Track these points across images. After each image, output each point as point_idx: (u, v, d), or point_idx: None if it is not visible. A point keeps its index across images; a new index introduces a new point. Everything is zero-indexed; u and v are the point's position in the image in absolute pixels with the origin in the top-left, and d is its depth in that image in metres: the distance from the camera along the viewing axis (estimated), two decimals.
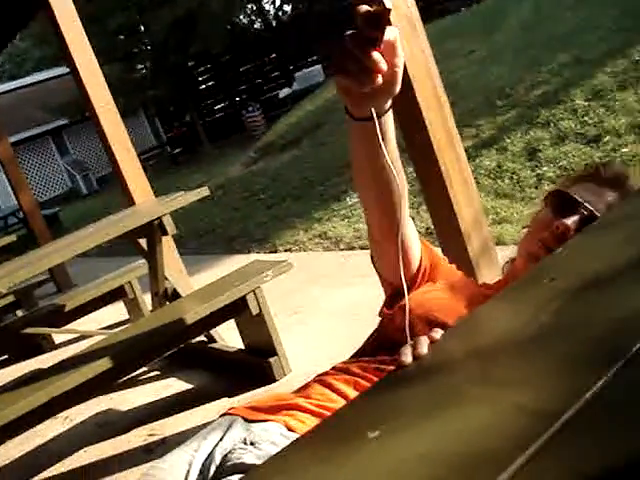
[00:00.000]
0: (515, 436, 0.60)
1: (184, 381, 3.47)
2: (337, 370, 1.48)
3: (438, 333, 0.92)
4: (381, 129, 1.11)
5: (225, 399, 3.03)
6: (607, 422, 0.58)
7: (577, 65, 6.36)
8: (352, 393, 1.37)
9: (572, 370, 0.67)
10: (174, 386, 3.45)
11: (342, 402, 1.36)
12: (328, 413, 1.31)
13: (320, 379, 1.47)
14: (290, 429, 1.28)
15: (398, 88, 1.08)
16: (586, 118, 5.35)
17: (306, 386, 1.46)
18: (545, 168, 5.01)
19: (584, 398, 0.61)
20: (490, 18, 9.27)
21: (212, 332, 3.56)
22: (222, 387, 3.20)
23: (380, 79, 1.00)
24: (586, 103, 5.55)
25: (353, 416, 0.75)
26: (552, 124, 5.53)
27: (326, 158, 7.91)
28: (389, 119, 1.17)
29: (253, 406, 1.40)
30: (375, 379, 1.38)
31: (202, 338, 3.64)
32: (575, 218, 1.45)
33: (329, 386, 1.42)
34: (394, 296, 1.55)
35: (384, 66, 0.98)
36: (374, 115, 1.09)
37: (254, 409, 1.39)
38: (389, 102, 1.13)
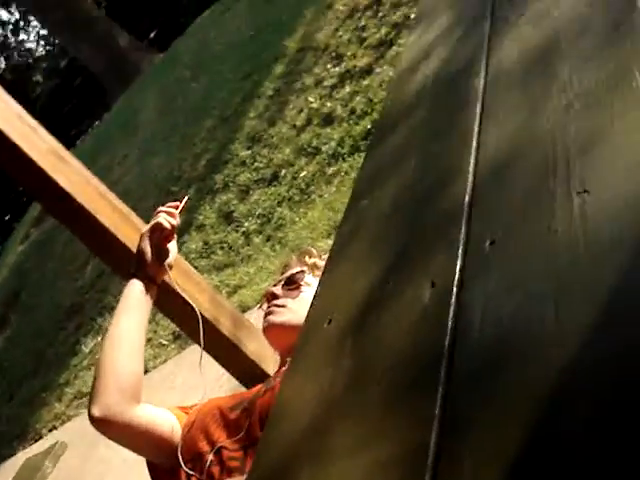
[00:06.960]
0: None
1: None
2: None
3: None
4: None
5: None
6: None
7: (221, 125, 6.60)
8: None
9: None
10: None
11: None
12: None
13: None
14: None
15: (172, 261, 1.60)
16: (256, 164, 5.54)
17: None
18: (246, 224, 5.09)
19: None
20: (124, 120, 9.34)
21: None
22: None
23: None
24: (249, 151, 5.75)
25: None
26: (231, 183, 5.65)
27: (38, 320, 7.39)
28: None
29: None
30: None
31: None
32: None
33: None
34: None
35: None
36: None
37: None
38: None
